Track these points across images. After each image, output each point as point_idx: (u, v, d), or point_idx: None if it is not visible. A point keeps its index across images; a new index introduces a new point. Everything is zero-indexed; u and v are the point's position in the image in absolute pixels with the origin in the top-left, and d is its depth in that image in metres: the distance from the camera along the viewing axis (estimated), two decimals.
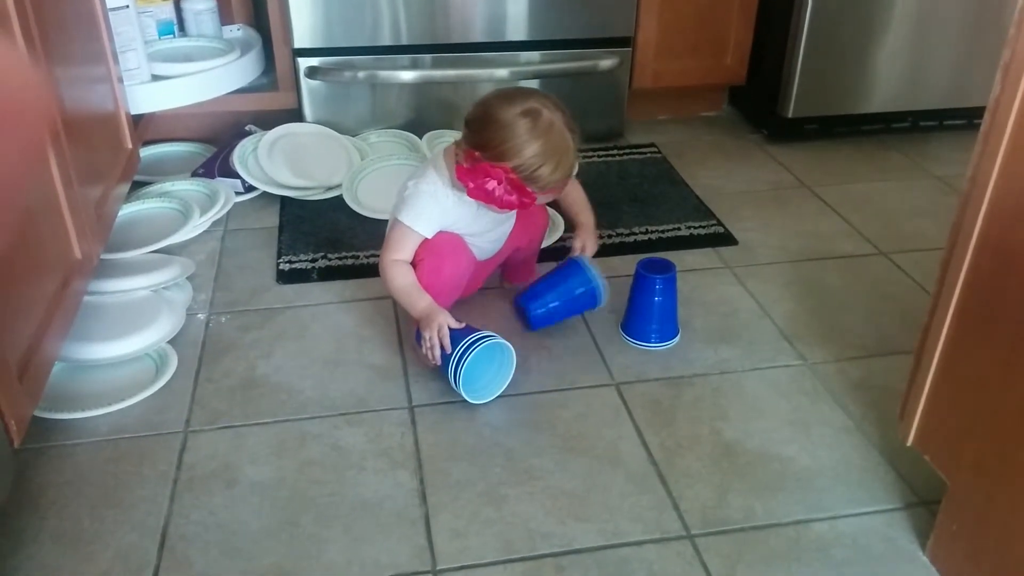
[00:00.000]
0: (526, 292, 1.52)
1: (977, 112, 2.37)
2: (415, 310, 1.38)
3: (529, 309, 1.49)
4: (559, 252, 1.75)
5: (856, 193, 2.04)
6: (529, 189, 1.31)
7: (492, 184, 1.30)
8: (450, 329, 1.33)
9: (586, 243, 1.55)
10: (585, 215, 1.57)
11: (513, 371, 1.37)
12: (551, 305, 1.50)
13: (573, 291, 1.49)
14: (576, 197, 1.57)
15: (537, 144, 1.29)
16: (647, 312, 1.48)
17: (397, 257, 1.39)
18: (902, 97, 2.25)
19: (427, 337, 1.34)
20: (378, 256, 1.44)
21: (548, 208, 1.74)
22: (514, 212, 1.51)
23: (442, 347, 1.33)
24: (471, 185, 1.31)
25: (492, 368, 1.37)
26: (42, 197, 1.24)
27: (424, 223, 1.38)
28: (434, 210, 1.38)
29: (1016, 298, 0.93)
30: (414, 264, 1.40)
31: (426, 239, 1.40)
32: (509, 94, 1.35)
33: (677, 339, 1.51)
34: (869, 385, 1.41)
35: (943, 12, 2.15)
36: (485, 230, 1.45)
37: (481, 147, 1.31)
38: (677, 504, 1.19)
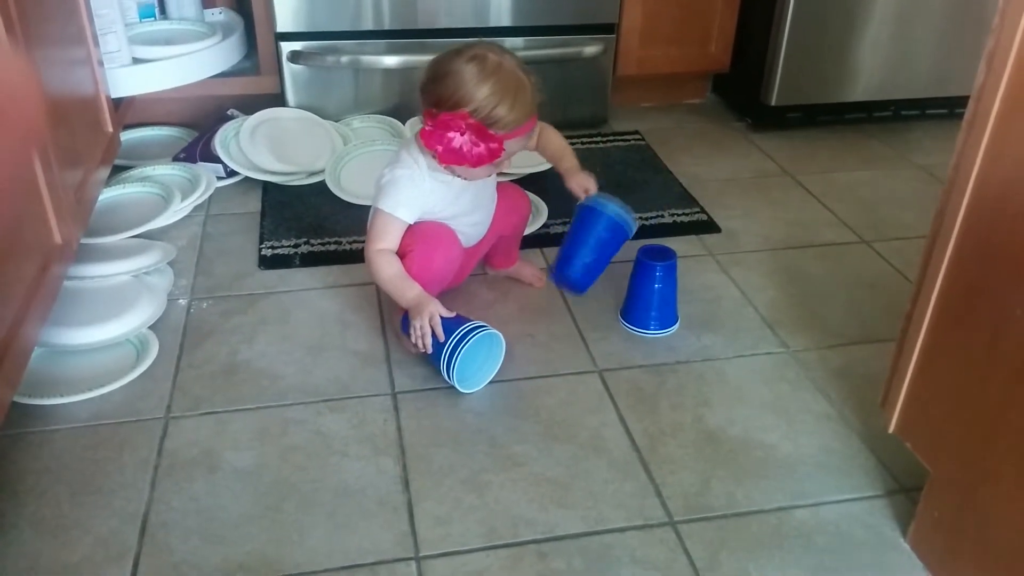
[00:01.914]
0: (557, 262, 1.53)
1: (959, 101, 2.38)
2: (404, 299, 1.37)
3: (568, 275, 1.50)
4: (542, 239, 1.75)
5: (839, 181, 2.05)
6: (492, 133, 1.29)
7: (456, 138, 1.29)
8: (440, 318, 1.33)
9: (583, 183, 1.54)
10: (568, 160, 1.56)
11: (502, 360, 1.37)
12: (586, 261, 1.51)
13: (601, 236, 1.49)
14: (557, 144, 1.56)
15: (488, 84, 1.28)
16: (647, 299, 1.48)
17: (382, 246, 1.38)
18: (885, 86, 2.26)
19: (418, 326, 1.33)
20: (362, 242, 1.43)
21: (530, 194, 1.74)
22: (494, 191, 1.50)
23: (434, 336, 1.33)
24: (439, 148, 1.30)
25: (481, 357, 1.37)
26: (21, 180, 1.22)
27: (404, 209, 1.37)
28: (413, 194, 1.37)
29: (998, 286, 0.93)
30: (403, 254, 1.39)
31: (413, 227, 1.39)
32: (455, 49, 1.34)
33: (676, 326, 1.51)
34: (850, 373, 1.42)
35: (926, 2, 2.15)
36: (465, 211, 1.44)
37: (437, 103, 1.31)
38: (660, 491, 1.20)
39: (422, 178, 1.38)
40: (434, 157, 1.35)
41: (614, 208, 1.49)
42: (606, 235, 1.50)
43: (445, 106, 1.30)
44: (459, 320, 1.34)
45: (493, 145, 1.30)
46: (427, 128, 1.31)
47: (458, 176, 1.38)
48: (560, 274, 1.52)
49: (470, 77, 1.28)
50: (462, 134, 1.28)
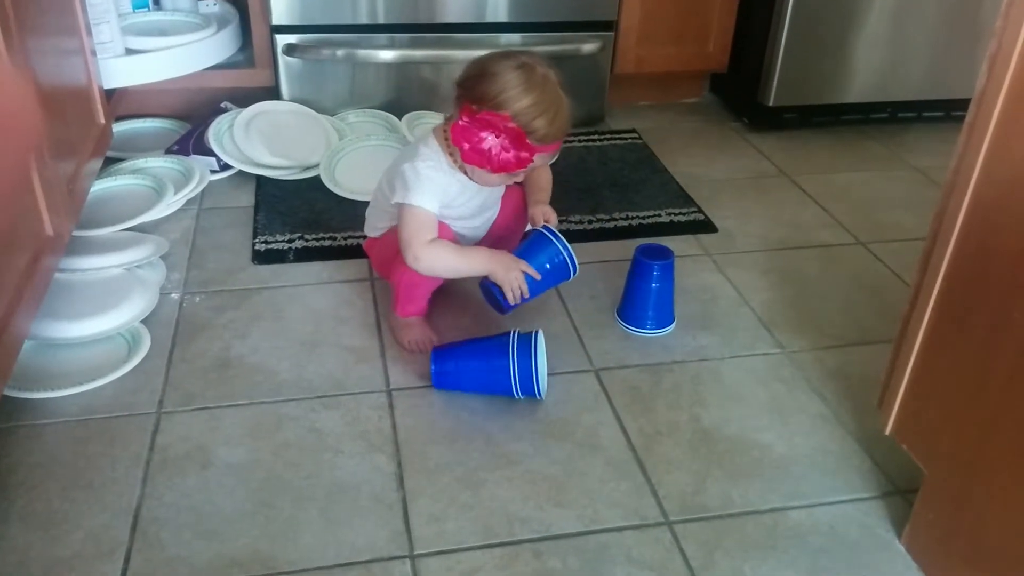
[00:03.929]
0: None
1: (955, 104, 2.40)
2: (480, 269, 1.37)
3: (496, 290, 1.37)
4: None
5: (835, 183, 2.05)
6: (528, 143, 1.29)
7: (489, 140, 1.28)
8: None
9: (547, 213, 1.48)
10: (545, 195, 1.53)
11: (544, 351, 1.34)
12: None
13: (543, 265, 1.39)
14: (545, 178, 1.54)
15: (533, 94, 1.28)
16: (644, 298, 1.48)
17: (427, 237, 1.34)
18: (881, 88, 2.26)
19: (513, 279, 1.34)
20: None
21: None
22: (499, 200, 1.49)
23: (480, 372, 1.32)
24: (466, 146, 1.29)
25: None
26: (17, 185, 1.21)
27: (431, 200, 1.34)
28: (437, 187, 1.35)
29: (997, 288, 0.93)
30: (399, 250, 1.37)
31: None
32: (501, 52, 1.35)
33: (672, 326, 1.51)
34: (846, 374, 1.42)
35: (923, 4, 2.15)
36: (471, 214, 1.44)
37: (478, 100, 1.29)
38: (656, 490, 1.19)
39: (442, 172, 1.36)
40: (450, 154, 1.34)
41: (565, 244, 1.39)
42: (550, 265, 1.39)
43: (486, 105, 1.28)
44: (492, 340, 1.33)
45: (524, 154, 1.29)
46: (462, 122, 1.29)
47: (472, 180, 1.37)
48: (488, 288, 1.40)
49: (517, 83, 1.28)
50: (497, 136, 1.28)
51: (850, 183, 2.05)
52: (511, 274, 1.34)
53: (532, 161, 1.31)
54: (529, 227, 1.50)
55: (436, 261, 1.34)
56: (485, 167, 1.31)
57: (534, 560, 1.09)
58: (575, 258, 1.40)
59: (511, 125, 1.28)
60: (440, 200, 1.36)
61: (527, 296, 1.36)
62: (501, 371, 1.29)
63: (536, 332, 1.32)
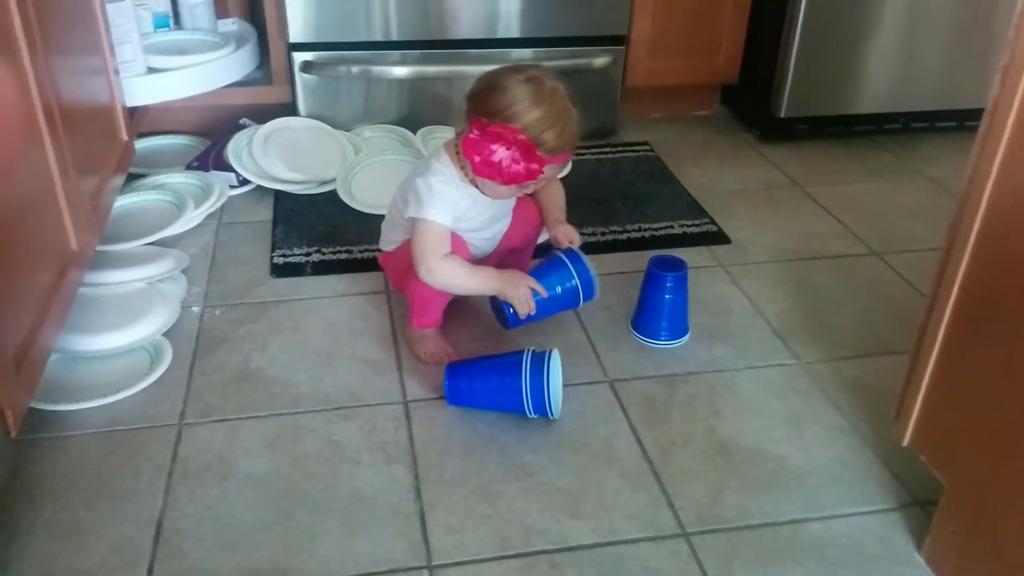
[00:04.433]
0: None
1: (968, 114, 2.39)
2: (490, 287, 1.37)
3: (505, 305, 1.38)
4: (550, 248, 1.75)
5: (848, 193, 2.05)
6: (538, 154, 1.30)
7: (500, 152, 1.30)
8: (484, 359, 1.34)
9: (569, 233, 1.48)
10: (561, 213, 1.53)
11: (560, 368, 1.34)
12: (541, 305, 1.40)
13: (554, 287, 1.39)
14: (559, 196, 1.54)
15: (542, 107, 1.29)
16: (657, 310, 1.49)
17: (441, 252, 1.35)
18: (893, 98, 2.26)
19: (522, 293, 1.35)
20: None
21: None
22: (510, 211, 1.50)
23: (492, 390, 1.33)
24: (477, 159, 1.31)
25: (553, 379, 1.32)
26: (40, 187, 1.23)
27: (444, 215, 1.36)
28: (449, 201, 1.37)
29: (1014, 298, 0.93)
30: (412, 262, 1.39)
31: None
32: (511, 66, 1.36)
33: (687, 337, 1.52)
34: (862, 385, 1.42)
35: (934, 15, 2.16)
36: (482, 226, 1.45)
37: (488, 114, 1.31)
38: (672, 502, 1.20)
39: (454, 186, 1.38)
40: (461, 168, 1.36)
41: (587, 267, 1.40)
42: (562, 289, 1.39)
43: (497, 119, 1.30)
44: (505, 359, 1.33)
45: (534, 166, 1.31)
46: (472, 136, 1.31)
47: (483, 193, 1.39)
48: (498, 302, 1.40)
49: (525, 96, 1.29)
50: (508, 148, 1.29)
51: (863, 193, 2.05)
52: (519, 290, 1.36)
53: (542, 173, 1.33)
54: (551, 247, 1.50)
55: (448, 276, 1.36)
56: (496, 179, 1.32)
57: (551, 571, 1.09)
58: (594, 281, 1.40)
59: (521, 137, 1.29)
60: (453, 214, 1.37)
61: (533, 312, 1.37)
62: (513, 391, 1.29)
63: (550, 352, 1.32)
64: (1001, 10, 2.16)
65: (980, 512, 1.01)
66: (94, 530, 1.13)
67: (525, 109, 1.29)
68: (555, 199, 1.54)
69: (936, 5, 2.15)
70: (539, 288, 1.37)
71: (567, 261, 1.41)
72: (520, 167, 1.31)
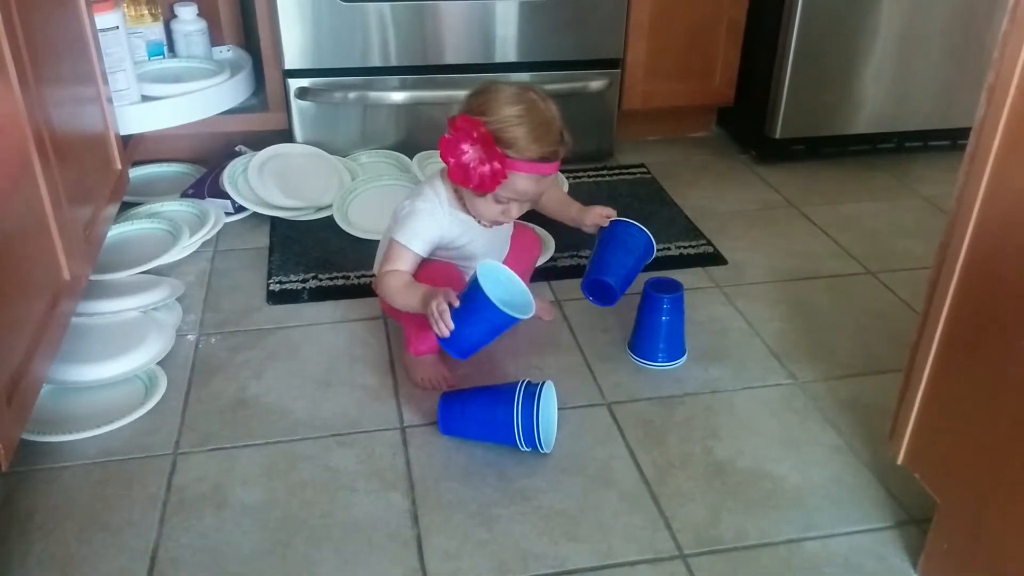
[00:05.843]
0: (597, 272, 1.49)
1: (961, 133, 2.40)
2: (417, 304, 1.31)
3: (609, 282, 1.47)
4: (550, 272, 1.76)
5: (844, 213, 2.06)
6: (498, 150, 1.28)
7: (467, 153, 1.29)
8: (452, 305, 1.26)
9: (603, 211, 1.54)
10: (575, 204, 1.57)
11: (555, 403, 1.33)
12: (624, 273, 1.50)
13: (635, 248, 1.51)
14: (559, 195, 1.56)
15: (518, 107, 1.30)
16: (654, 331, 1.49)
17: (396, 267, 1.37)
18: (888, 118, 2.28)
19: (434, 307, 1.25)
20: (370, 277, 1.43)
21: (538, 228, 1.75)
22: (508, 238, 1.51)
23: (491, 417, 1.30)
24: (451, 161, 1.31)
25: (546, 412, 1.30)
26: (31, 217, 1.24)
27: (419, 242, 1.37)
28: (430, 227, 1.38)
29: (1004, 316, 0.93)
30: None
31: (421, 267, 1.39)
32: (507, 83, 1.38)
33: (684, 359, 1.52)
34: (859, 404, 1.42)
35: (928, 35, 2.17)
36: (478, 255, 1.45)
37: (467, 111, 1.32)
38: (670, 524, 1.19)
39: (442, 213, 1.39)
40: (455, 191, 1.36)
41: (644, 228, 1.51)
42: (640, 247, 1.51)
43: (471, 113, 1.31)
44: (498, 391, 1.32)
45: (497, 165, 1.29)
46: (447, 136, 1.32)
47: (473, 217, 1.39)
48: (597, 283, 1.50)
49: (505, 97, 1.31)
50: (472, 144, 1.29)
51: (859, 213, 2.06)
52: (433, 305, 1.27)
53: (505, 176, 1.30)
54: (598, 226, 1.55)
55: (386, 286, 1.38)
56: (468, 186, 1.32)
57: None
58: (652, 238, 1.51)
59: (483, 130, 1.28)
60: (433, 240, 1.38)
61: (451, 327, 1.25)
62: (505, 424, 1.28)
63: (542, 385, 1.30)
64: (993, 29, 2.17)
65: (974, 529, 1.01)
66: (88, 562, 1.13)
67: (499, 106, 1.30)
68: (560, 196, 1.55)
69: (929, 25, 2.16)
70: (455, 301, 1.25)
71: (632, 224, 1.51)
72: (486, 169, 1.29)
